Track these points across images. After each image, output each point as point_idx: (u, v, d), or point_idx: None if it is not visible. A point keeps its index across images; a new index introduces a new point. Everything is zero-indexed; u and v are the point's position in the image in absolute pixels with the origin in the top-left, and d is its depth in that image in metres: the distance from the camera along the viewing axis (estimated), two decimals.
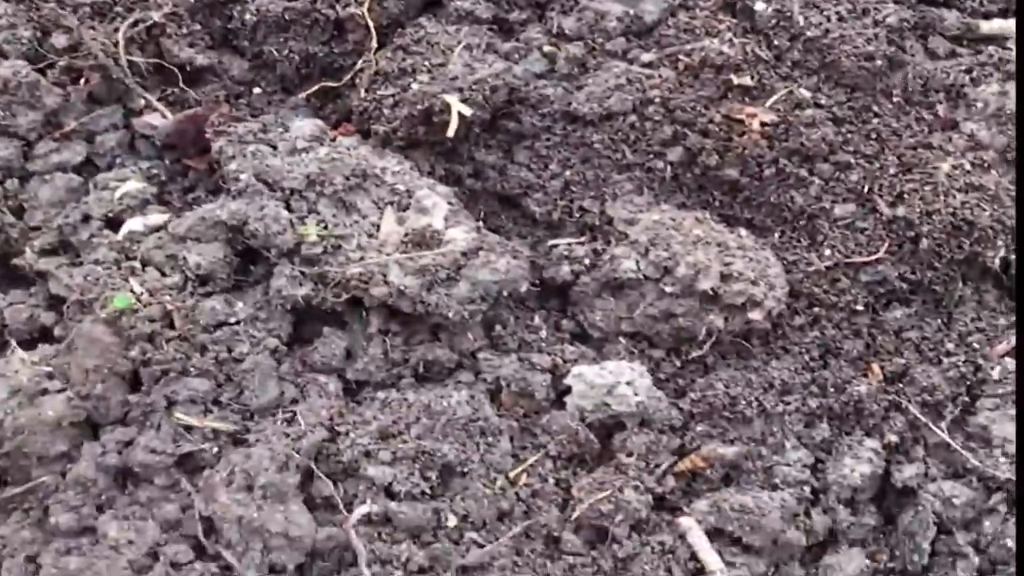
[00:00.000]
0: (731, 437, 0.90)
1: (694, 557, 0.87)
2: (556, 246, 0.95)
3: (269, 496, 0.77)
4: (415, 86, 0.89)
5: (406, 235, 0.85)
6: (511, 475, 0.89)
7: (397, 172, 0.88)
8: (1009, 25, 0.99)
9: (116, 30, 0.89)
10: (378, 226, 0.86)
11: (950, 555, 0.87)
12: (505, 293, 0.88)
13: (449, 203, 0.88)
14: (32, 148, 0.90)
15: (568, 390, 0.91)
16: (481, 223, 0.91)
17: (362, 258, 0.84)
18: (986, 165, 0.92)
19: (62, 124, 0.90)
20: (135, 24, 0.90)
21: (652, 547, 0.86)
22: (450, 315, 0.85)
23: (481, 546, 0.86)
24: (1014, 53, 0.97)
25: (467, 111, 0.88)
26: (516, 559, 0.86)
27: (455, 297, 0.85)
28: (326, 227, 0.86)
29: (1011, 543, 0.86)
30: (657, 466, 0.89)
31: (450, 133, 0.89)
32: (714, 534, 0.87)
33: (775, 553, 0.87)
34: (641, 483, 0.88)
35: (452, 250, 0.85)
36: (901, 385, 0.92)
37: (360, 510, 0.81)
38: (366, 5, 0.91)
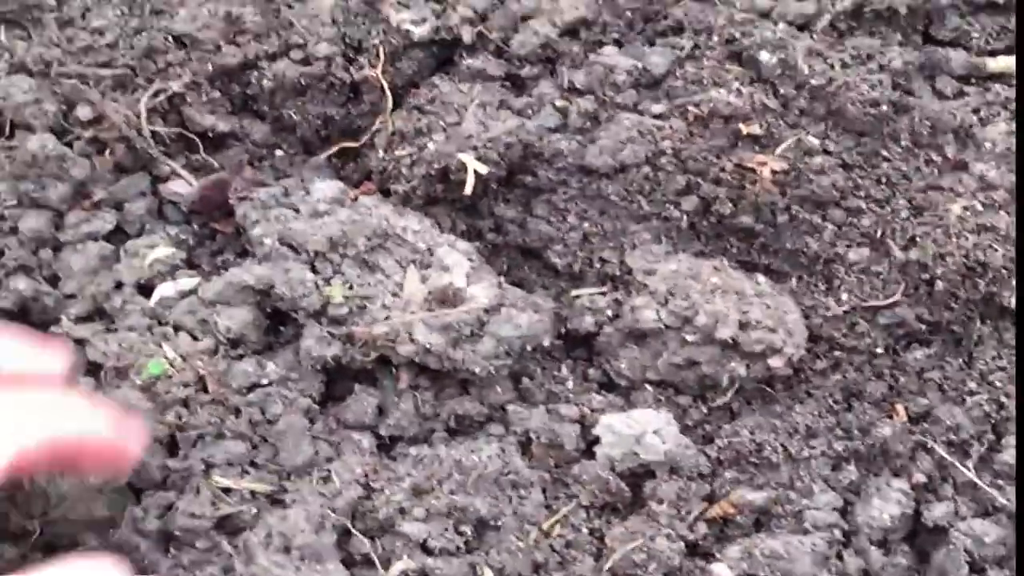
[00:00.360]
0: (759, 483, 0.91)
1: None
2: (578, 297, 0.96)
3: (307, 556, 0.78)
4: (431, 145, 0.91)
5: (429, 293, 0.88)
6: (544, 527, 0.91)
7: (418, 231, 0.90)
8: (1014, 62, 1.01)
9: (138, 101, 0.91)
10: (402, 285, 0.88)
11: None
12: (529, 347, 0.90)
13: (470, 259, 0.90)
14: (63, 219, 0.92)
15: (597, 440, 0.92)
16: (503, 278, 0.93)
17: (387, 317, 0.86)
18: (997, 205, 0.93)
19: (91, 194, 0.92)
20: (156, 95, 0.92)
21: None
22: (477, 370, 0.87)
23: None
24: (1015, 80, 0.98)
25: (483, 168, 0.91)
26: None
27: (480, 353, 0.87)
28: (351, 287, 0.88)
29: None
30: (688, 513, 0.91)
31: (467, 191, 0.91)
32: None
33: None
34: (673, 531, 0.89)
35: (475, 307, 0.87)
36: (926, 425, 0.93)
37: (397, 567, 0.83)
38: (379, 67, 0.94)
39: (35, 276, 0.91)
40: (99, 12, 0.95)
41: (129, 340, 0.86)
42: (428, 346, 0.85)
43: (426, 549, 0.82)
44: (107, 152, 0.93)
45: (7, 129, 0.93)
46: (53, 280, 0.92)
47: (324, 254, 0.87)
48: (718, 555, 0.89)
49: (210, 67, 0.92)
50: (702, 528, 0.90)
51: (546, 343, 0.91)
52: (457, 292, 0.87)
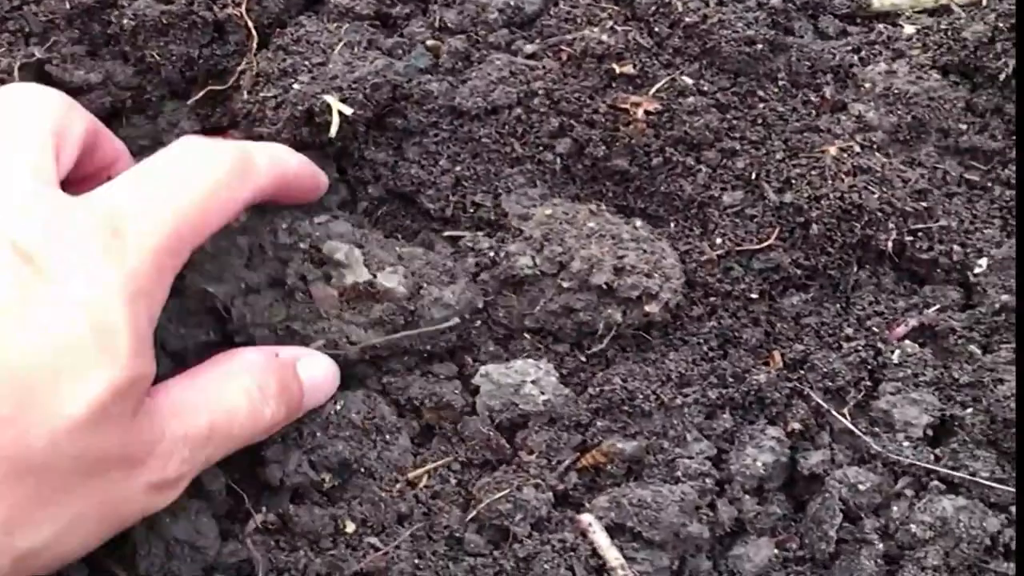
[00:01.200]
0: (631, 431, 0.93)
1: (595, 554, 0.89)
2: (457, 238, 0.96)
3: None
4: (296, 87, 0.91)
5: (340, 295, 0.88)
6: (410, 477, 0.91)
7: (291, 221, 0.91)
8: (901, 1, 1.00)
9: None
10: (308, 292, 0.89)
11: (856, 541, 0.88)
12: (468, 315, 0.93)
13: (359, 245, 0.90)
14: None
15: (476, 390, 0.93)
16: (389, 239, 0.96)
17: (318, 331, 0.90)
18: (875, 147, 0.94)
19: None
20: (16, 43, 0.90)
21: (553, 545, 0.89)
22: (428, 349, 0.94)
23: (378, 550, 0.87)
24: (906, 30, 0.98)
25: (347, 110, 0.91)
26: (417, 561, 0.88)
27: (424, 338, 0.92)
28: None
29: (915, 528, 0.87)
30: (559, 463, 0.92)
31: (332, 133, 0.91)
32: (615, 530, 0.91)
33: (679, 546, 0.90)
34: (542, 480, 0.90)
35: (395, 298, 0.91)
36: (802, 372, 0.95)
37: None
38: (244, 5, 0.93)
39: None
40: None
41: None
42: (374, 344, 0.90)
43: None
44: None
45: None
46: None
47: None
48: (587, 504, 0.89)
49: (67, 5, 0.90)
50: (573, 478, 0.91)
51: (480, 305, 0.93)
52: (369, 288, 0.87)
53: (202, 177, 0.74)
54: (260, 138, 0.94)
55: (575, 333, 0.94)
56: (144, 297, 0.64)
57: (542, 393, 0.91)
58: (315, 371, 0.86)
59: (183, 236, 0.70)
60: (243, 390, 0.77)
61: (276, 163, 0.82)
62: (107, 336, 0.60)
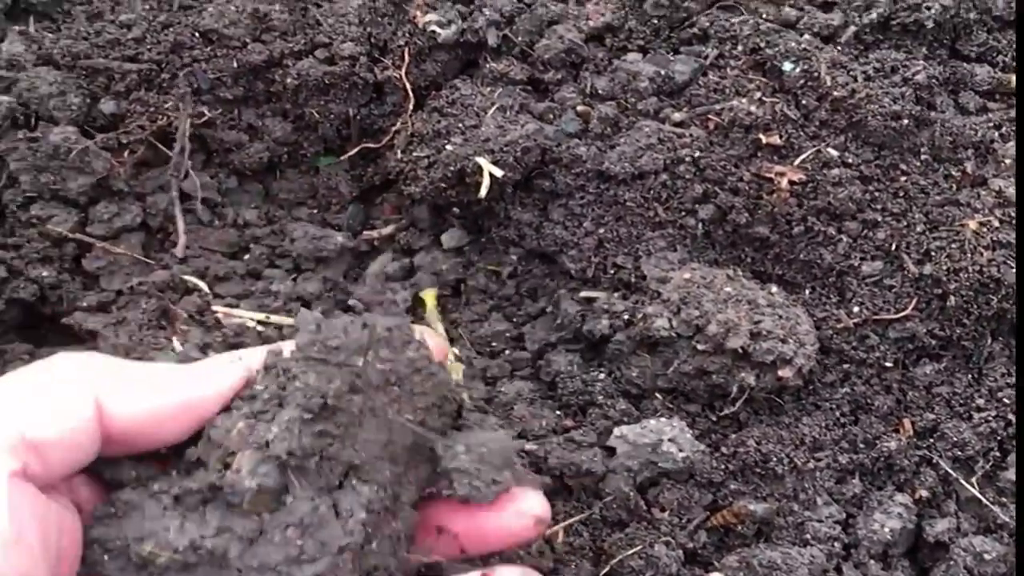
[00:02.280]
0: (763, 493, 0.99)
1: None
2: (592, 299, 1.00)
3: None
4: (449, 147, 0.97)
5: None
6: (548, 534, 0.96)
7: None
8: None
9: (163, 97, 0.96)
10: None
11: None
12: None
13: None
14: (85, 212, 0.97)
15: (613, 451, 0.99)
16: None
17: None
18: (1013, 222, 0.97)
19: (111, 187, 0.97)
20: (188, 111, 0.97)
21: None
22: None
23: None
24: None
25: (498, 172, 0.96)
26: None
27: None
28: None
29: None
30: (689, 521, 0.96)
31: (482, 194, 0.96)
32: None
33: None
34: (673, 538, 0.94)
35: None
36: (932, 440, 0.99)
37: None
38: (404, 68, 0.98)
39: (56, 267, 0.96)
40: (128, 6, 1.02)
41: (138, 334, 0.91)
42: None
43: None
44: (126, 154, 0.97)
45: (32, 121, 0.97)
46: (71, 272, 0.97)
47: None
48: (716, 564, 0.94)
49: (235, 64, 0.96)
50: (703, 536, 0.96)
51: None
52: None
53: None
54: (411, 197, 0.99)
55: (707, 395, 1.00)
56: None
57: (680, 450, 0.96)
58: None
59: None
60: None
61: None
62: None
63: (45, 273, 1.00)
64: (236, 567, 0.59)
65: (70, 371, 0.62)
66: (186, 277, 1.01)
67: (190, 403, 0.63)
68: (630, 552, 0.95)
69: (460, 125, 1.01)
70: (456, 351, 1.00)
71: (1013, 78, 1.06)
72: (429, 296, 1.02)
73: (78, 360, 0.64)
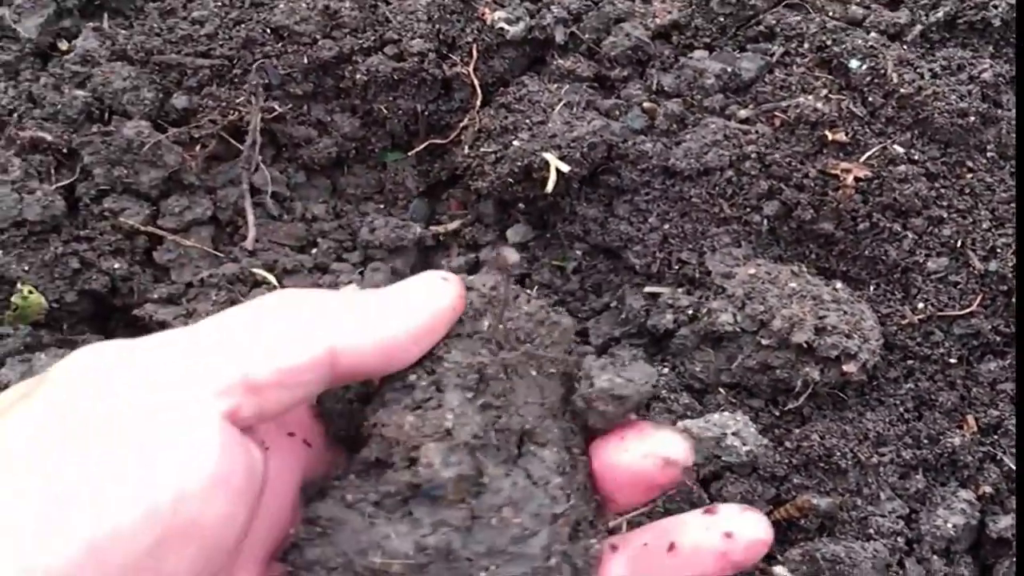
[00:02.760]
0: (827, 488, 0.99)
1: None
2: (657, 295, 1.02)
3: None
4: (516, 143, 0.99)
5: None
6: (611, 526, 0.97)
7: None
8: None
9: (234, 92, 0.98)
10: None
11: None
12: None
13: None
14: (157, 205, 0.99)
15: None
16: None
17: None
18: None
19: (183, 181, 0.99)
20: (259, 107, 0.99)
21: None
22: None
23: None
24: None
25: (565, 167, 0.97)
26: None
27: None
28: None
29: None
30: None
31: (548, 189, 0.98)
32: None
33: None
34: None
35: None
36: (996, 436, 1.00)
37: None
38: (472, 65, 1.00)
39: (127, 259, 0.98)
40: (200, 3, 1.05)
41: None
42: None
43: None
44: (197, 148, 0.99)
45: (106, 115, 0.99)
46: (142, 264, 0.99)
47: None
48: (779, 557, 0.95)
49: (305, 60, 0.98)
50: None
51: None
52: None
53: None
54: (477, 192, 1.01)
55: (771, 390, 1.01)
56: None
57: (744, 444, 0.97)
58: None
59: None
60: None
61: None
62: None
63: (117, 265, 1.02)
64: (465, 557, 0.59)
65: (297, 305, 0.61)
66: (255, 270, 1.03)
67: (418, 333, 0.60)
68: None
69: (527, 121, 1.03)
70: None
71: None
72: None
73: (302, 295, 0.63)
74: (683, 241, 1.05)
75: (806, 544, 0.98)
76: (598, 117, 1.03)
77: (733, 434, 0.99)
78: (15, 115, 1.04)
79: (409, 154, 1.09)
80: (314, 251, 1.06)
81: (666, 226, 1.05)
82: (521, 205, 1.07)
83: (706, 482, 1.01)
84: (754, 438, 0.99)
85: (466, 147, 1.05)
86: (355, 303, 0.60)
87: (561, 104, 1.03)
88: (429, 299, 0.61)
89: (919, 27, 1.04)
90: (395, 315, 0.60)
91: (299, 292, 0.60)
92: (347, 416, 0.64)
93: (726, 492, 0.99)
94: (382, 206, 1.10)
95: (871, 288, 1.05)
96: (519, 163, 1.01)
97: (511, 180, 1.03)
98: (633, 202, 1.05)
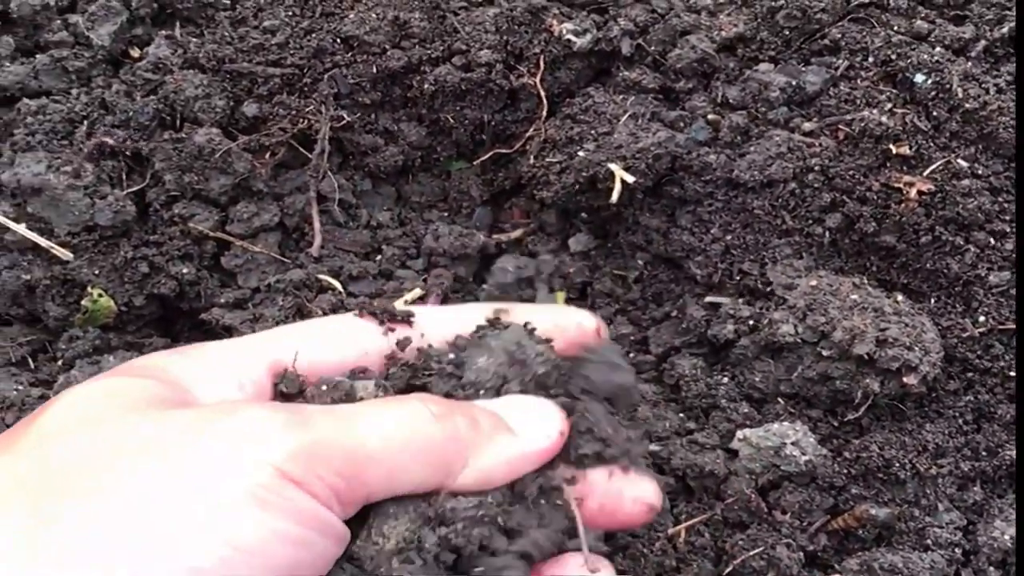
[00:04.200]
0: (885, 498, 1.04)
1: None
2: (718, 304, 1.05)
3: None
4: (581, 154, 1.02)
5: None
6: (670, 533, 1.01)
7: None
8: None
9: (304, 101, 1.02)
10: None
11: None
12: None
13: None
14: (225, 211, 1.03)
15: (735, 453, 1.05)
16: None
17: None
18: None
19: (251, 188, 1.03)
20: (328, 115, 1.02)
21: None
22: None
23: None
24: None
25: (630, 178, 1.01)
26: None
27: None
28: None
29: None
30: (810, 524, 1.01)
31: (613, 199, 1.02)
32: None
33: None
34: (794, 540, 0.99)
35: None
36: None
37: None
38: (539, 76, 1.03)
39: (196, 264, 1.02)
40: (271, 12, 1.09)
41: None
42: None
43: None
44: (267, 155, 1.03)
45: (177, 122, 1.03)
46: (210, 269, 1.03)
47: None
48: (837, 567, 0.99)
49: (374, 69, 1.02)
50: (823, 540, 1.01)
51: None
52: None
53: None
54: (541, 202, 1.05)
55: (830, 400, 1.06)
56: None
57: (803, 454, 1.01)
58: None
59: None
60: None
61: None
62: None
63: (185, 270, 1.07)
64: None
65: None
66: (321, 276, 1.07)
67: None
68: (752, 553, 1.01)
69: (593, 132, 1.07)
70: None
71: None
72: (559, 297, 1.07)
73: None
74: (745, 252, 1.09)
75: (864, 554, 1.02)
76: (663, 128, 1.07)
77: (792, 443, 1.03)
78: (88, 121, 1.08)
79: (474, 163, 1.13)
80: (379, 258, 1.11)
81: (728, 237, 1.09)
82: (584, 215, 1.12)
83: (764, 491, 1.04)
84: (813, 448, 1.03)
85: (532, 157, 1.09)
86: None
87: (626, 115, 1.07)
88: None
89: (983, 42, 1.07)
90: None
91: None
92: None
93: (784, 501, 1.03)
94: (446, 214, 1.15)
95: (932, 301, 1.08)
96: (584, 173, 1.05)
97: (576, 190, 1.07)
98: (696, 213, 1.09)
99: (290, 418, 0.60)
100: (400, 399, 0.66)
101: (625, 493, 0.72)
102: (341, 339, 0.72)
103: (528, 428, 0.67)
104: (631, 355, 1.11)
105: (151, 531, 0.54)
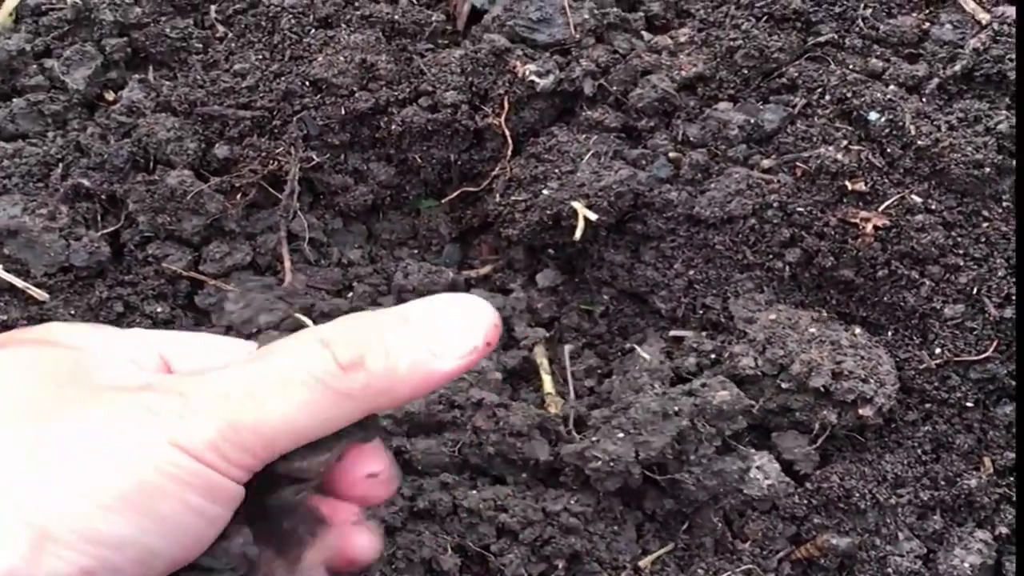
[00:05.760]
0: (846, 528, 1.09)
1: None
2: (681, 339, 1.09)
3: None
4: (545, 192, 1.07)
5: None
6: (641, 564, 1.06)
7: None
8: None
9: (274, 143, 1.06)
10: None
11: None
12: None
13: None
14: (199, 251, 1.08)
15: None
16: None
17: None
18: None
19: (223, 228, 1.07)
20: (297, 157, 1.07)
21: None
22: None
23: None
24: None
25: (592, 216, 1.06)
26: None
27: None
28: None
29: None
30: (773, 553, 1.05)
31: (577, 236, 1.07)
32: None
33: None
34: (758, 567, 1.03)
35: None
36: (1012, 479, 1.07)
37: None
38: (503, 116, 1.08)
39: (170, 303, 1.07)
40: (242, 56, 1.13)
41: None
42: None
43: None
44: (238, 196, 1.07)
45: (150, 164, 1.08)
46: (184, 308, 1.08)
47: None
48: None
49: (343, 111, 1.06)
50: (786, 568, 1.05)
51: None
52: None
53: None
54: (508, 239, 1.09)
55: (791, 432, 1.07)
56: None
57: (766, 478, 1.04)
58: None
59: None
60: None
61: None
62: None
63: (160, 309, 1.12)
64: None
65: None
66: (294, 314, 1.11)
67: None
68: None
69: (557, 171, 1.12)
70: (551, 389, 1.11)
71: None
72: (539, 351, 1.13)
73: None
74: (707, 286, 1.15)
75: None
76: (625, 166, 1.12)
77: (756, 467, 1.07)
78: (63, 164, 1.13)
79: (442, 201, 1.19)
80: (350, 295, 1.15)
81: (691, 272, 1.14)
82: (550, 251, 1.17)
83: (729, 520, 1.08)
84: (776, 473, 1.07)
85: (498, 195, 1.14)
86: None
87: (589, 154, 1.12)
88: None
89: (936, 80, 1.12)
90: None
91: None
92: None
93: (748, 529, 1.07)
94: (416, 251, 1.20)
95: (889, 333, 1.13)
96: (548, 211, 1.11)
97: (541, 228, 1.13)
98: (659, 248, 1.15)
99: (202, 403, 0.66)
100: (301, 352, 0.69)
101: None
102: (218, 349, 0.79)
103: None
104: (600, 386, 1.15)
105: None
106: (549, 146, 1.16)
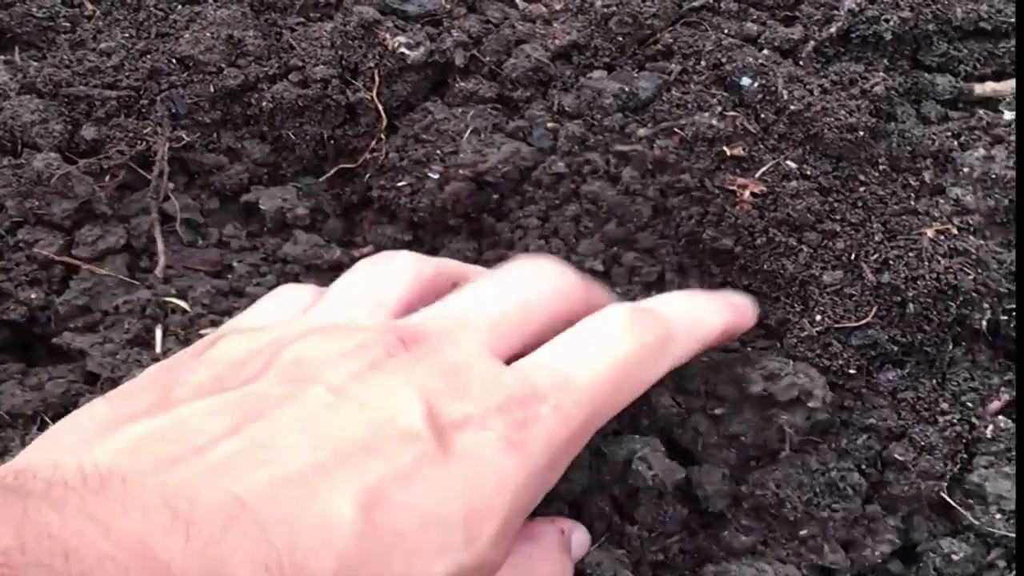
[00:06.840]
0: None
1: None
2: None
3: None
4: (432, 176, 1.06)
5: None
6: None
7: None
8: (1002, 87, 1.13)
9: (142, 123, 1.06)
10: None
11: None
12: None
13: None
14: (71, 235, 1.07)
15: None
16: None
17: None
18: (971, 229, 1.09)
19: (95, 211, 1.07)
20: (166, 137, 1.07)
21: None
22: None
23: None
24: (1006, 116, 1.10)
25: (477, 190, 1.05)
26: None
27: None
28: None
29: None
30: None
31: (456, 213, 1.06)
32: None
33: None
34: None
35: None
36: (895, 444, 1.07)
37: None
38: (375, 90, 1.08)
39: (44, 288, 1.06)
40: (108, 34, 1.11)
41: (123, 352, 1.01)
42: None
43: None
44: (107, 178, 1.07)
45: (17, 148, 1.07)
46: (59, 293, 1.08)
47: None
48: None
49: (212, 88, 1.06)
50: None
51: None
52: None
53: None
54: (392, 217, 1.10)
55: None
56: (535, 489, 0.71)
57: (651, 468, 1.05)
58: None
59: (590, 428, 0.79)
60: None
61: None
62: (475, 522, 0.65)
63: (34, 295, 1.12)
64: None
65: None
66: (168, 298, 1.11)
67: None
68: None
69: (438, 152, 1.12)
70: None
71: (975, 87, 1.16)
72: None
73: None
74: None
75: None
76: (507, 141, 1.11)
77: (639, 457, 1.07)
78: None
79: (320, 179, 1.17)
80: (229, 276, 1.15)
81: (574, 241, 1.14)
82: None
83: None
84: (660, 462, 1.07)
85: (381, 179, 1.13)
86: None
87: (469, 131, 1.12)
88: None
89: (812, 43, 1.13)
90: None
91: None
92: None
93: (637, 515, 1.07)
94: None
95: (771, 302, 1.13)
96: (434, 191, 1.10)
97: (425, 212, 1.11)
98: (548, 220, 1.14)
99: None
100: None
101: None
102: None
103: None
104: None
105: None
106: (426, 124, 1.16)
